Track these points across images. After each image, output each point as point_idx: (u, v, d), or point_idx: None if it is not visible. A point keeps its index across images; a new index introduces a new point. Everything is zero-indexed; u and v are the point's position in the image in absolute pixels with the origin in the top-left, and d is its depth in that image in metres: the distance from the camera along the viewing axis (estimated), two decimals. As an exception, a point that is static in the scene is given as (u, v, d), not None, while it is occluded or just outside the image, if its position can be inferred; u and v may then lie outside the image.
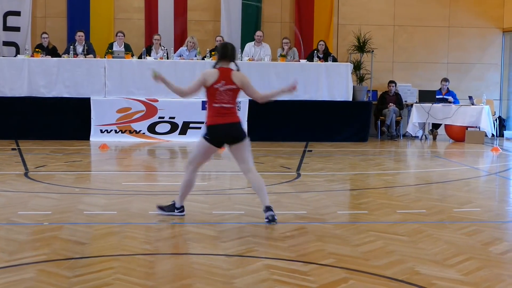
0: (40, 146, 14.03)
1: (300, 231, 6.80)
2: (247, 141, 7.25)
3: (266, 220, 7.12)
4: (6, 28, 17.51)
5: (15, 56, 16.38)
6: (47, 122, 15.17)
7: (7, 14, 17.47)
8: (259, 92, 7.37)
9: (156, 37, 16.62)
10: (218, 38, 16.79)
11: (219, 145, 7.21)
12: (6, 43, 17.52)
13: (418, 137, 17.29)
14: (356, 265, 5.55)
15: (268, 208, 7.18)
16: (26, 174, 10.29)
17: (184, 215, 7.42)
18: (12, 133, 14.99)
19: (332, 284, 5.06)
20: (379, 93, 17.85)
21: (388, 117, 16.93)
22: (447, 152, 15.23)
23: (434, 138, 17.32)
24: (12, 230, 6.68)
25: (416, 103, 17.30)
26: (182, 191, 7.40)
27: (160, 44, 16.52)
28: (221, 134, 7.15)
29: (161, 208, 7.49)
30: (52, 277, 5.10)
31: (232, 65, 7.23)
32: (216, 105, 7.09)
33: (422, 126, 17.30)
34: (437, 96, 17.28)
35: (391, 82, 17.55)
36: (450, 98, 17.07)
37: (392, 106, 17.02)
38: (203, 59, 15.97)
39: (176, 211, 7.44)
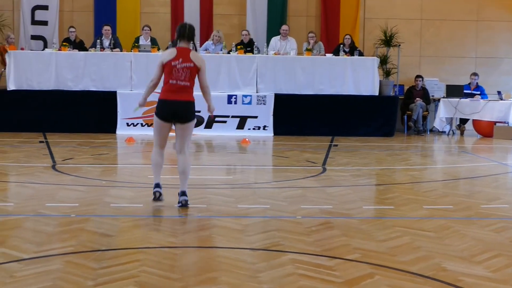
0: (67, 139, 14.14)
1: (326, 226, 6.80)
2: (192, 124, 7.53)
3: (179, 204, 7.42)
4: (34, 22, 17.71)
5: (42, 50, 16.54)
6: (74, 115, 15.31)
7: (35, 8, 17.66)
8: (206, 82, 7.54)
9: (182, 30, 16.62)
10: (244, 32, 16.81)
11: (167, 119, 7.41)
12: (34, 37, 17.71)
13: (445, 132, 17.16)
14: (381, 260, 5.52)
15: (183, 193, 7.49)
16: (53, 167, 10.39)
17: (158, 191, 7.65)
18: (40, 126, 15.14)
19: (358, 279, 5.04)
20: (405, 87, 17.73)
21: (415, 112, 16.83)
22: (475, 148, 15.14)
23: (462, 133, 17.20)
24: (40, 221, 6.74)
25: (443, 97, 17.19)
26: (152, 170, 7.74)
27: (186, 38, 16.52)
28: (169, 109, 7.37)
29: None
30: (79, 269, 5.14)
31: (191, 45, 7.45)
32: (172, 81, 7.33)
33: (450, 121, 17.19)
34: (465, 91, 17.15)
35: (418, 76, 17.43)
36: (477, 96, 16.92)
37: (419, 101, 16.91)
38: (228, 53, 15.98)
39: (154, 189, 7.68)
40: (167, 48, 7.43)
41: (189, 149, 7.68)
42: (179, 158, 7.54)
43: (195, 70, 7.37)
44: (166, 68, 7.32)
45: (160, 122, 7.44)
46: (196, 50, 7.48)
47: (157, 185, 7.68)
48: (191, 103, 7.46)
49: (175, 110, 7.36)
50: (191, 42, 7.46)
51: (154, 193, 7.66)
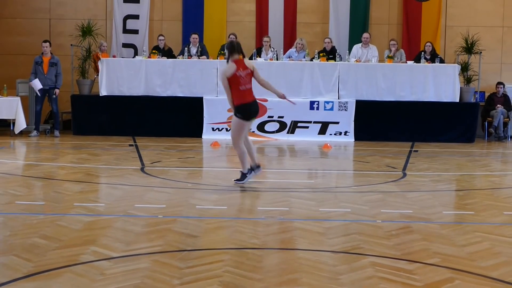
0: (155, 142, 14.44)
1: (406, 230, 6.78)
2: None
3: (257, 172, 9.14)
4: (125, 31, 18.27)
5: (133, 57, 16.95)
6: (162, 120, 15.70)
7: (127, 17, 18.23)
8: (261, 76, 9.01)
9: (266, 39, 16.83)
10: (326, 40, 16.89)
11: (249, 119, 8.85)
12: (125, 45, 18.27)
13: (526, 139, 16.89)
14: (461, 265, 5.48)
15: (258, 166, 9.13)
16: (142, 169, 10.64)
17: (259, 170, 9.17)
18: (130, 130, 15.60)
19: (437, 283, 5.01)
20: (486, 94, 17.52)
21: (496, 119, 16.61)
22: (557, 155, 14.79)
23: (543, 140, 16.87)
24: (129, 221, 6.92)
25: (525, 104, 16.94)
26: (242, 160, 9.01)
27: (270, 45, 16.74)
28: (251, 110, 8.80)
29: (238, 181, 9.07)
30: (166, 268, 5.26)
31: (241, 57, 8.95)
32: (242, 87, 8.70)
33: (531, 128, 16.91)
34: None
35: (499, 83, 17.19)
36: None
37: (500, 108, 16.69)
38: (311, 60, 16.11)
39: (248, 175, 9.07)
40: (225, 58, 8.72)
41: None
42: (246, 142, 8.99)
43: (251, 74, 8.82)
44: (233, 79, 8.66)
45: (243, 123, 8.81)
46: (244, 57, 9.00)
47: (252, 169, 9.13)
48: (257, 101, 8.97)
49: (254, 109, 8.83)
50: (241, 54, 8.89)
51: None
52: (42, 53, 15.85)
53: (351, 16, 18.10)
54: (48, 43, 15.91)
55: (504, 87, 17.15)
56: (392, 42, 16.76)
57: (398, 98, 15.85)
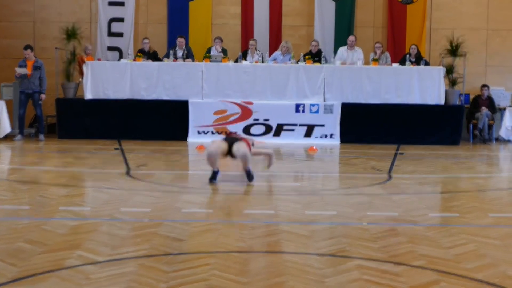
0: (141, 146, 14.42)
1: (391, 233, 6.79)
2: None
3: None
4: (110, 34, 18.25)
5: (118, 60, 16.95)
6: (148, 123, 15.68)
7: (112, 20, 18.20)
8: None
9: (251, 42, 16.88)
10: (313, 43, 16.95)
11: None
12: (110, 48, 18.26)
13: (511, 141, 16.91)
14: (447, 267, 5.51)
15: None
16: (128, 173, 10.63)
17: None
18: (115, 134, 15.57)
19: (423, 285, 5.03)
20: (471, 96, 17.60)
21: (481, 121, 16.69)
22: (542, 157, 14.87)
23: (528, 142, 16.96)
24: (115, 225, 6.89)
25: (509, 106, 17.00)
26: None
27: (255, 48, 16.79)
28: None
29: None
30: (152, 272, 5.25)
31: None
32: None
33: (516, 130, 17.00)
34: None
35: (484, 85, 17.28)
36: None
37: (484, 110, 16.78)
38: (297, 63, 16.14)
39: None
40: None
41: None
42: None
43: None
44: None
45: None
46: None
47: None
48: None
49: None
50: None
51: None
52: (25, 57, 15.81)
53: (336, 19, 18.18)
54: (29, 49, 15.83)
55: (488, 89, 17.25)
56: (377, 45, 16.84)
57: (383, 100, 15.91)
